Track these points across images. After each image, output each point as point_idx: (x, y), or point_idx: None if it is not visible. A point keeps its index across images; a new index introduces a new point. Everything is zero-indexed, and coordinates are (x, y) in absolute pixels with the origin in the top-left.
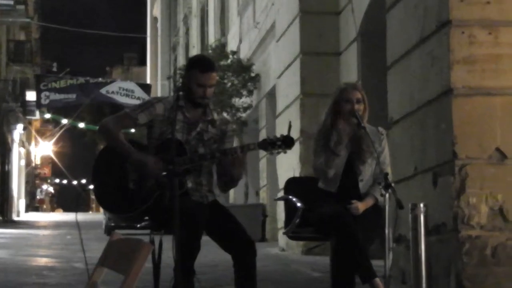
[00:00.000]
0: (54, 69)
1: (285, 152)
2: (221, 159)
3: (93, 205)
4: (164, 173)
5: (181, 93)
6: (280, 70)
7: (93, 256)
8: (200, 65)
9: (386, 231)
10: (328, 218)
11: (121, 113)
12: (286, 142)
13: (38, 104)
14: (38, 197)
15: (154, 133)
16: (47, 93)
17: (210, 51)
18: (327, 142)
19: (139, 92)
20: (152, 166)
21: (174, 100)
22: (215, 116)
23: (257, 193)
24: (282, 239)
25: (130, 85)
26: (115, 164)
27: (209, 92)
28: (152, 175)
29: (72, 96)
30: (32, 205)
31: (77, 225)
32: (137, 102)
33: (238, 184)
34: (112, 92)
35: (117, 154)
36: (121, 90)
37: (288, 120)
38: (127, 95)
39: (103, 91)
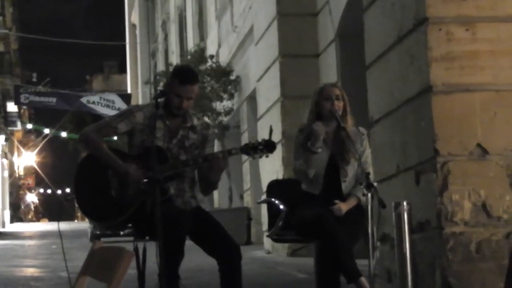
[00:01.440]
0: (34, 79)
1: (267, 156)
2: (204, 165)
3: (78, 214)
4: (146, 180)
5: (160, 100)
6: (260, 73)
7: (78, 265)
8: (180, 76)
9: (370, 230)
10: (310, 221)
11: (101, 122)
12: (268, 146)
13: (17, 102)
14: (23, 207)
15: (135, 141)
16: (26, 95)
17: (189, 57)
18: (306, 143)
19: (119, 102)
20: (134, 174)
21: (154, 108)
22: (195, 121)
23: (241, 197)
24: (268, 242)
25: (111, 96)
26: (97, 172)
27: (187, 104)
28: (134, 183)
29: (52, 100)
30: (17, 216)
31: (59, 235)
32: (115, 112)
33: (222, 188)
34: (93, 102)
35: (98, 163)
36: (102, 100)
37: (270, 124)
38: (107, 106)
39: (83, 100)
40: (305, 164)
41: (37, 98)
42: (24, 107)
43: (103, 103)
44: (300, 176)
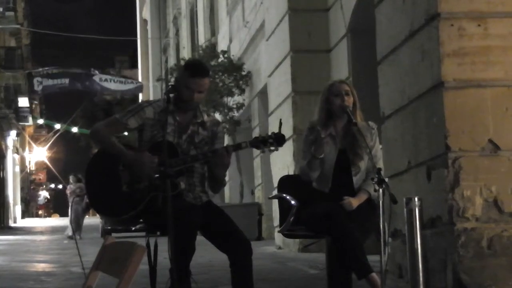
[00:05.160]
0: None
1: (276, 149)
2: (211, 160)
3: (90, 209)
4: (157, 175)
5: (171, 95)
6: (271, 69)
7: (89, 260)
8: (191, 68)
9: (381, 226)
10: (320, 216)
11: (111, 118)
12: (278, 139)
13: (31, 90)
14: (40, 203)
15: (145, 137)
16: (39, 78)
17: (200, 52)
18: (314, 143)
19: (130, 83)
20: (147, 162)
21: (165, 102)
22: (205, 117)
23: (252, 192)
24: (279, 237)
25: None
26: (108, 168)
27: (197, 97)
28: (148, 172)
29: (65, 81)
30: (29, 211)
31: (72, 231)
32: (129, 86)
33: (233, 184)
34: (105, 80)
35: (109, 158)
36: (114, 77)
37: (279, 118)
38: (120, 82)
39: (96, 78)
40: (308, 168)
41: (50, 82)
42: (36, 102)
43: (115, 80)
44: (304, 178)
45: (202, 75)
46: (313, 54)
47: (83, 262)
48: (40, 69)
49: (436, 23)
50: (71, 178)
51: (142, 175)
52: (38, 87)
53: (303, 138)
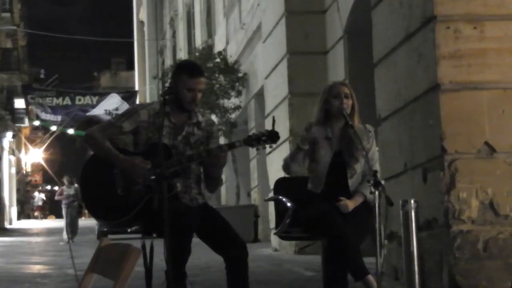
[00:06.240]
0: (42, 75)
1: (270, 147)
2: (205, 160)
3: (85, 211)
4: (153, 177)
5: (167, 97)
6: (268, 71)
7: (85, 262)
8: (189, 69)
9: (377, 228)
10: (316, 219)
11: (106, 122)
12: (271, 137)
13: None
14: (36, 204)
15: (140, 140)
16: (34, 107)
17: (197, 54)
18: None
19: (124, 108)
20: (140, 166)
21: (161, 105)
22: (200, 117)
23: (249, 194)
24: (275, 239)
25: (114, 103)
26: (103, 171)
27: (198, 97)
28: (141, 176)
29: (57, 118)
30: (25, 213)
31: (67, 232)
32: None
33: (230, 186)
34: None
35: (104, 161)
36: (106, 111)
37: (277, 121)
38: (110, 114)
39: (89, 114)
40: (289, 158)
41: (43, 115)
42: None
43: (107, 112)
44: (285, 170)
45: (201, 74)
46: (310, 56)
47: (79, 264)
48: (35, 88)
49: (433, 25)
50: (65, 179)
51: (135, 179)
52: (33, 114)
53: (298, 141)
